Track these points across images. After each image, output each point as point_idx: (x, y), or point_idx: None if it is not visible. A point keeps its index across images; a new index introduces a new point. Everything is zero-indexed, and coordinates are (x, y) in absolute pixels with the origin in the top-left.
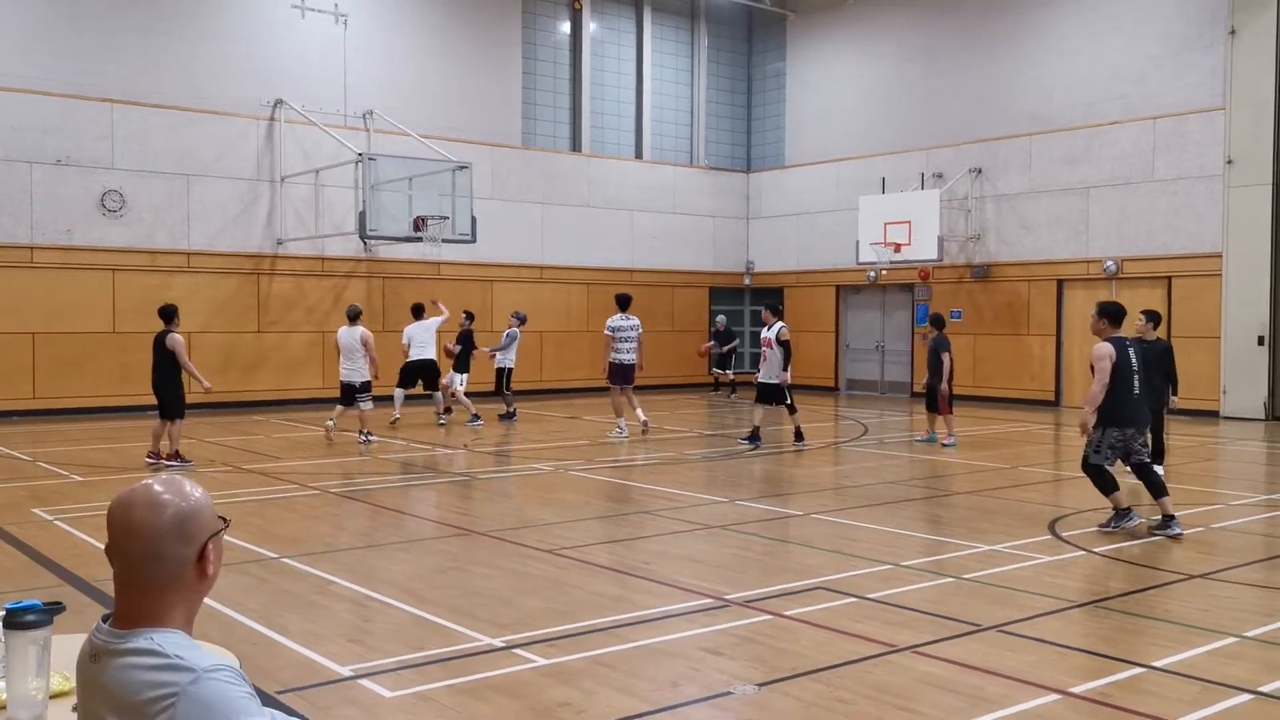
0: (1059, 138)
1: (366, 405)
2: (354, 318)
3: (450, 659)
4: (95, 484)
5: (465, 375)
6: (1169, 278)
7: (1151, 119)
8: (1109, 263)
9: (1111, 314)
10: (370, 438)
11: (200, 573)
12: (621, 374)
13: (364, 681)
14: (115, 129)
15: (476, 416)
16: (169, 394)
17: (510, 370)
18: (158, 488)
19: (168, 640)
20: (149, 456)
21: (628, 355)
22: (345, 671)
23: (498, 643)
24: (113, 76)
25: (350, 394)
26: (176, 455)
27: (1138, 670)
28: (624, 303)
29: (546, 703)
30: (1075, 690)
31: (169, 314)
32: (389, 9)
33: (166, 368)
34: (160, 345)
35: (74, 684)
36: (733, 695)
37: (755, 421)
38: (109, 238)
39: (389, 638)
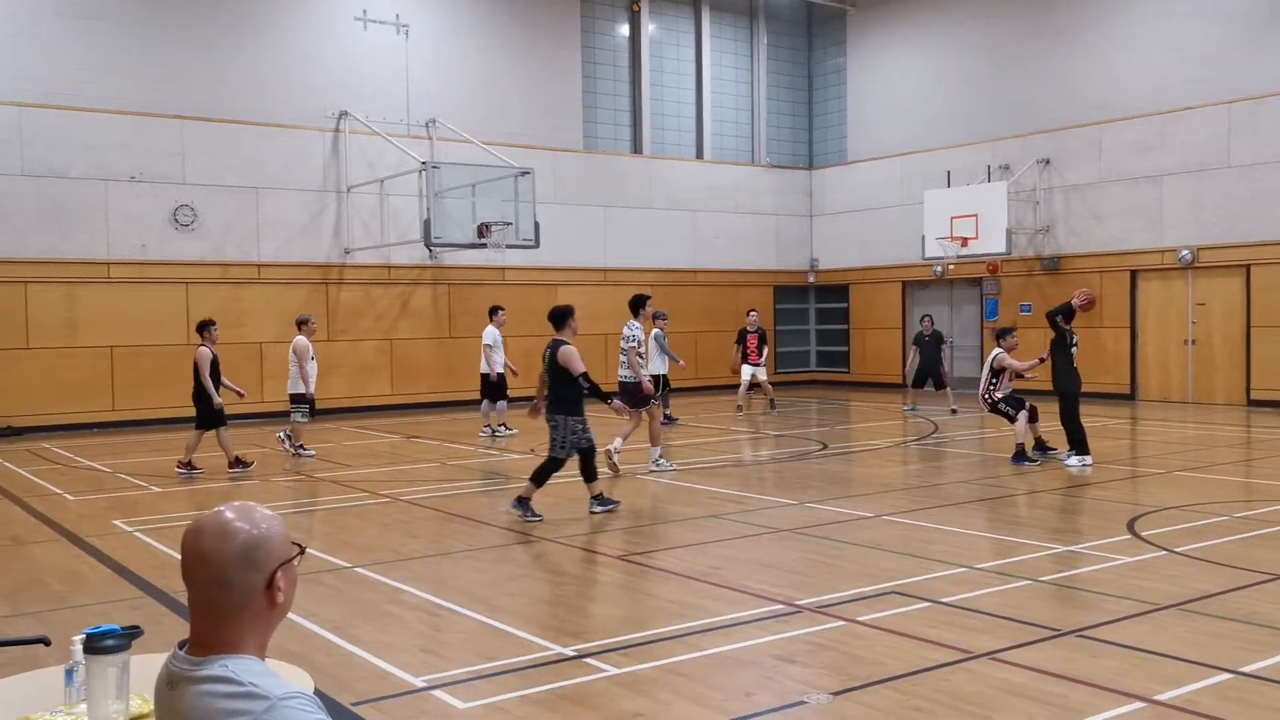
0: (1129, 125)
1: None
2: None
3: (522, 669)
4: (173, 495)
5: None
6: (1248, 266)
7: (1226, 103)
8: (1184, 252)
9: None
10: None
11: (270, 600)
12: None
13: (437, 692)
14: (186, 145)
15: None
16: (201, 406)
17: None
18: (229, 515)
19: (242, 667)
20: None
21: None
22: (418, 683)
23: (569, 651)
24: (182, 94)
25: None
26: (189, 465)
27: (1226, 676)
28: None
29: (619, 713)
30: (1161, 698)
31: (200, 327)
32: (449, 18)
33: (198, 379)
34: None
35: (152, 707)
36: (807, 704)
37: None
38: (182, 251)
39: (461, 647)
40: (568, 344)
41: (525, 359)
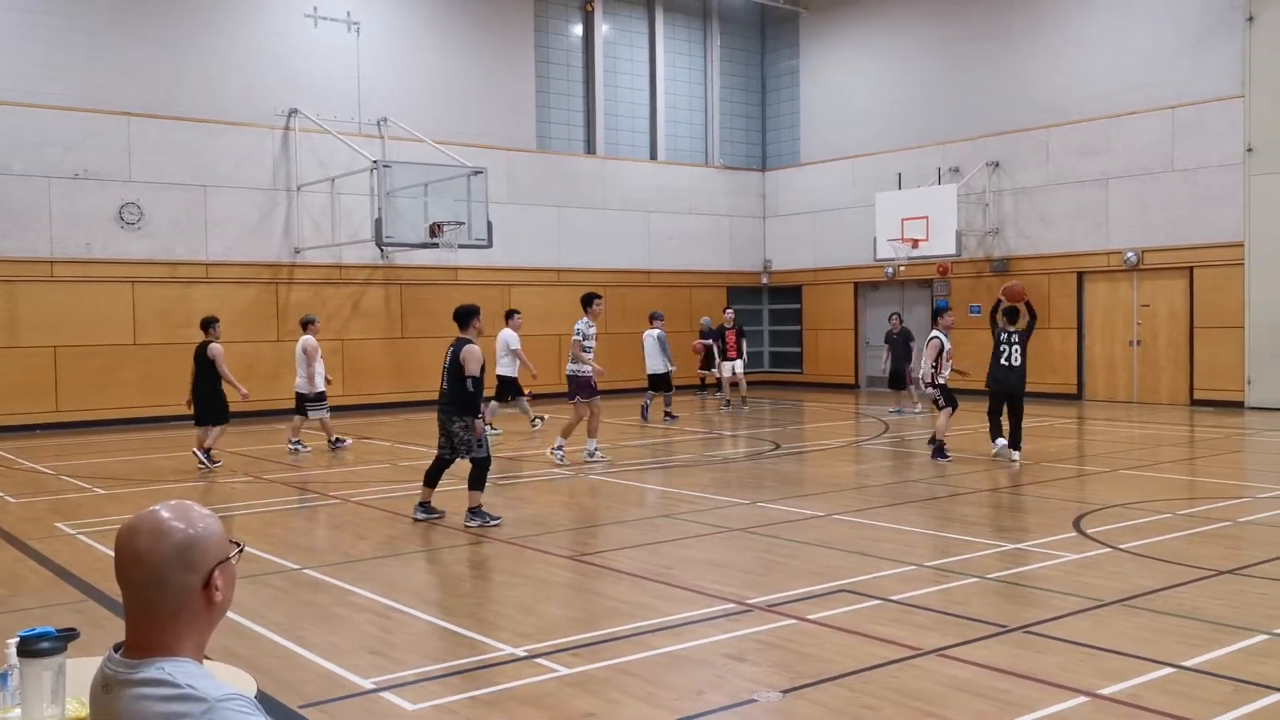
0: (1077, 129)
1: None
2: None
3: (472, 669)
4: (118, 497)
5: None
6: (1191, 268)
7: (1170, 108)
8: (1130, 254)
9: (460, 315)
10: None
11: (207, 601)
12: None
13: (386, 694)
14: (132, 142)
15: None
16: (208, 402)
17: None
18: (164, 514)
19: (179, 669)
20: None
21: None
22: (367, 684)
23: (520, 652)
24: (129, 90)
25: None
26: (207, 454)
27: (1168, 670)
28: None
29: (570, 713)
30: (1104, 693)
31: (206, 324)
32: (401, 15)
33: (208, 376)
34: (201, 355)
35: (89, 711)
36: (757, 703)
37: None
38: (128, 250)
39: (411, 649)
40: (473, 343)
41: None
